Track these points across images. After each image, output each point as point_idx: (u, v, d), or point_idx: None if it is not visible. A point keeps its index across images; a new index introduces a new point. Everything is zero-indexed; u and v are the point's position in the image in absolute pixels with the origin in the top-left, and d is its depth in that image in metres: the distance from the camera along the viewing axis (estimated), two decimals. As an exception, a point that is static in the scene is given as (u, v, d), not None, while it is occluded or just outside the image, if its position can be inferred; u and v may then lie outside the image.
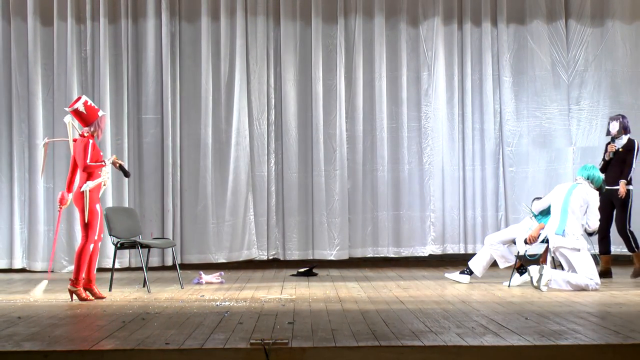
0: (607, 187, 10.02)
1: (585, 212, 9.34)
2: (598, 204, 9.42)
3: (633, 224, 10.52)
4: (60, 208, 8.82)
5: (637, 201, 10.77)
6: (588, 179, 9.50)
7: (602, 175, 9.76)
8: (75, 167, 8.74)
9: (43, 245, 12.04)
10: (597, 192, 9.48)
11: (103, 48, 12.13)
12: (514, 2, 12.67)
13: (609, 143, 10.63)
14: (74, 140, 8.75)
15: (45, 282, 9.12)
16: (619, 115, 10.82)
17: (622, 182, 10.30)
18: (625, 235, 10.43)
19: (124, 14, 12.23)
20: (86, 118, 8.64)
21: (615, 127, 10.63)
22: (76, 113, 8.64)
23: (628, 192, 10.39)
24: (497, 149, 12.66)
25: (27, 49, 12.16)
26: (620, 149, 10.56)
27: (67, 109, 8.87)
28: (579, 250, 9.20)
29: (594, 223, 9.34)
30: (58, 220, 9.60)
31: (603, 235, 10.45)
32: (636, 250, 10.43)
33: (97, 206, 8.66)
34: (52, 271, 8.73)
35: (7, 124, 12.21)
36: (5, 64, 12.22)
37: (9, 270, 12.02)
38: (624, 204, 10.39)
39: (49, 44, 12.23)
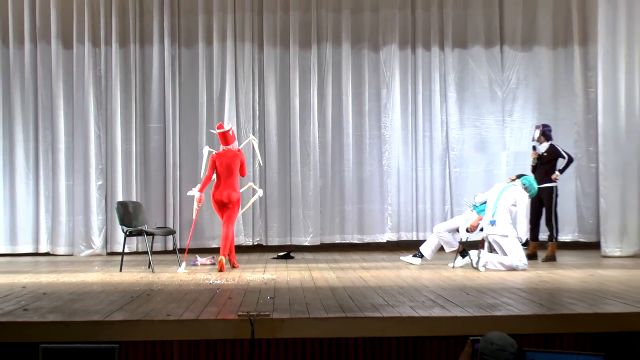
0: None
1: (515, 213, 9.36)
2: (525, 210, 9.44)
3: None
4: (199, 207, 9.82)
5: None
6: (524, 185, 9.54)
7: (536, 188, 9.73)
8: (211, 172, 9.62)
9: (64, 233, 11.97)
10: (527, 196, 9.52)
11: (115, 68, 12.06)
12: (458, 30, 12.67)
13: (534, 148, 10.75)
14: (225, 153, 9.64)
15: (184, 264, 9.45)
16: (542, 124, 10.95)
17: (556, 172, 10.45)
18: (550, 226, 10.50)
19: (132, 39, 12.16)
20: (229, 139, 9.63)
21: (536, 134, 10.77)
22: (223, 134, 9.59)
23: (553, 190, 10.44)
24: (444, 153, 12.68)
25: (50, 67, 12.07)
26: (544, 154, 10.64)
27: (214, 131, 9.96)
28: (507, 236, 9.26)
29: (522, 232, 9.31)
30: (195, 218, 10.10)
31: (534, 225, 10.53)
32: (554, 240, 10.49)
33: None
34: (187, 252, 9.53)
35: (34, 131, 12.11)
36: (32, 80, 12.12)
37: (35, 254, 11.95)
38: (550, 199, 10.45)
39: (69, 64, 12.13)
